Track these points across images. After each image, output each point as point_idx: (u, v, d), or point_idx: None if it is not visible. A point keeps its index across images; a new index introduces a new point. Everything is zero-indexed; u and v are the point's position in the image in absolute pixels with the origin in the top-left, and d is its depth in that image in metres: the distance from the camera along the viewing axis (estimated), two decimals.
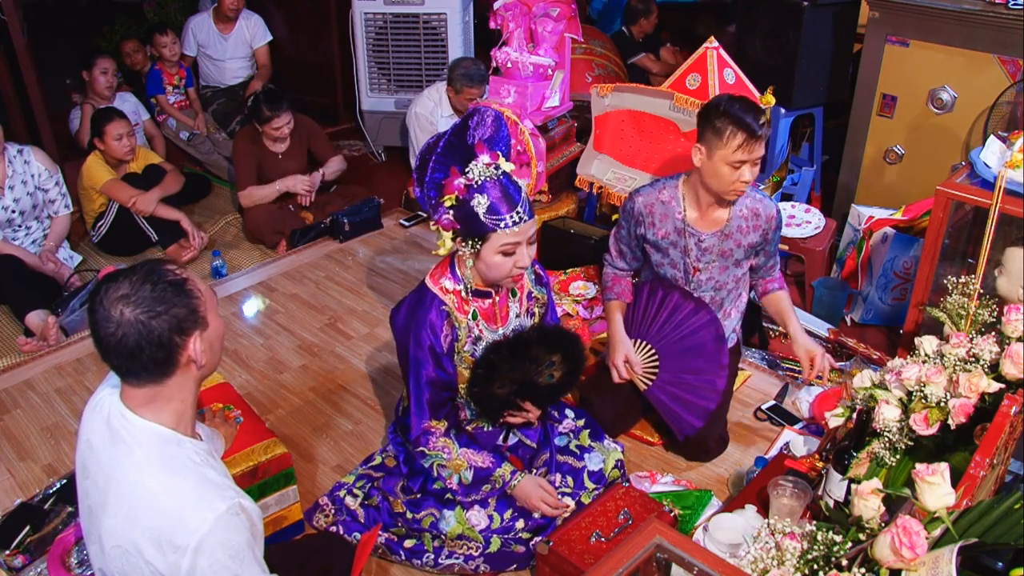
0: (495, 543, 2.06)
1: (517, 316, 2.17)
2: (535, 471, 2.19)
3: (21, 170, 3.33)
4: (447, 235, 1.97)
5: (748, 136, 2.15)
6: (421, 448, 2.05)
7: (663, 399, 2.37)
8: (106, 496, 1.33)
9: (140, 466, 1.31)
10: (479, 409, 2.14)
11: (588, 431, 2.33)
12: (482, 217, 1.87)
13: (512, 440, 2.25)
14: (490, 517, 2.08)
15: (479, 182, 1.87)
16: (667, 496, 2.25)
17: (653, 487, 2.32)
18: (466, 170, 1.90)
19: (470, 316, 2.06)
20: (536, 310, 2.23)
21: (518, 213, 1.89)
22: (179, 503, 1.28)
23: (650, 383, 2.39)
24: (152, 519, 1.28)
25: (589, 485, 2.19)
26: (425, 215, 2.05)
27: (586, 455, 2.25)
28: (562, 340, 2.11)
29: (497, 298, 2.11)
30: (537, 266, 2.24)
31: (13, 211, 3.33)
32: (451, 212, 1.93)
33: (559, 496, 2.11)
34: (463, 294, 2.04)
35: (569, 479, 2.18)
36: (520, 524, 2.07)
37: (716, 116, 2.19)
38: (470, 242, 1.94)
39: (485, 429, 2.23)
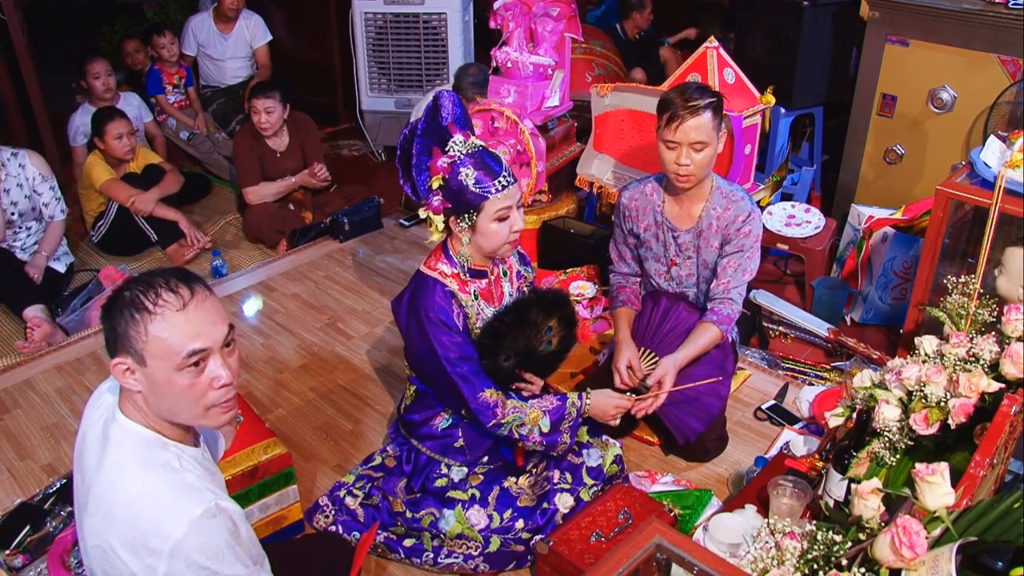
0: (495, 543, 2.06)
1: (511, 295, 2.21)
2: (533, 468, 2.20)
3: (16, 173, 3.32)
4: (438, 219, 2.02)
5: (676, 109, 2.17)
6: (494, 421, 2.05)
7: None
8: (88, 495, 1.34)
9: (120, 467, 1.31)
10: None
11: (586, 427, 2.33)
12: (472, 188, 1.93)
13: None
14: (490, 517, 2.08)
15: (461, 157, 1.95)
16: (667, 496, 2.25)
17: (653, 487, 2.32)
18: (446, 149, 1.97)
19: (472, 296, 2.10)
20: (525, 288, 2.29)
21: (504, 178, 1.96)
22: (155, 507, 1.27)
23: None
24: (128, 522, 1.27)
25: (588, 481, 2.19)
26: (425, 215, 2.07)
27: (584, 451, 2.26)
28: (557, 301, 2.17)
29: (492, 277, 2.16)
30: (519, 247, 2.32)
31: (12, 213, 3.33)
32: (440, 193, 1.99)
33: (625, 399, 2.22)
34: (462, 275, 2.08)
35: (568, 475, 2.19)
36: (520, 524, 2.08)
37: (664, 95, 2.24)
38: (465, 216, 1.98)
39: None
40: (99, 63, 4.16)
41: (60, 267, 3.50)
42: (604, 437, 2.35)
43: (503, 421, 2.05)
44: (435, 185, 1.98)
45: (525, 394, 2.20)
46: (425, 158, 1.99)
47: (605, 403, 2.19)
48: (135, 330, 1.26)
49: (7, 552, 2.12)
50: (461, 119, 2.02)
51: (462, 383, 2.03)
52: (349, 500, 2.20)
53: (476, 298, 2.11)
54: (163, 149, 4.54)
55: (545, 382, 2.33)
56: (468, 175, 1.93)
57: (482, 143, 2.01)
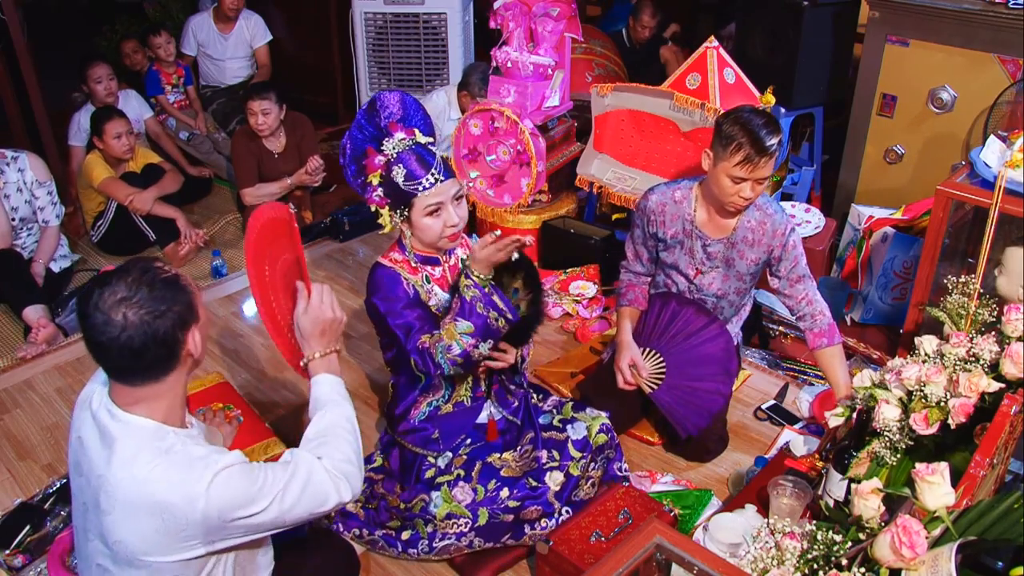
0: (483, 515, 2.07)
1: None
2: (520, 448, 2.20)
3: (15, 179, 3.32)
4: (384, 212, 2.09)
5: (751, 153, 2.14)
6: (432, 363, 2.01)
7: (667, 399, 2.37)
8: (98, 494, 1.35)
9: (129, 461, 1.33)
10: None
11: (571, 404, 2.33)
12: (402, 185, 2.00)
13: (497, 416, 2.27)
14: (474, 490, 2.10)
15: (395, 155, 2.02)
16: (667, 496, 2.25)
17: (653, 487, 2.32)
18: (381, 147, 2.05)
19: (423, 279, 2.13)
20: None
21: (433, 175, 2.01)
22: (169, 488, 1.31)
23: (655, 388, 2.39)
24: (149, 508, 1.31)
25: (575, 454, 2.17)
26: (373, 208, 2.12)
27: (569, 426, 2.24)
28: (519, 262, 2.13)
29: (446, 265, 2.18)
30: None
31: (13, 218, 3.32)
32: (379, 189, 2.06)
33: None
34: (412, 263, 2.12)
35: (555, 453, 2.18)
36: (505, 493, 2.09)
37: (728, 124, 2.19)
38: (399, 211, 2.06)
39: (465, 404, 2.24)
40: (100, 67, 4.12)
41: (56, 268, 3.49)
42: (588, 410, 2.30)
43: (436, 359, 2.01)
44: (374, 181, 2.06)
45: (498, 366, 2.18)
46: (358, 156, 2.07)
47: (484, 252, 2.01)
48: (190, 292, 1.39)
49: (7, 552, 2.12)
50: (412, 118, 2.09)
51: (402, 334, 2.03)
52: (349, 504, 2.20)
53: (428, 282, 2.14)
54: (171, 144, 4.52)
55: (519, 358, 2.28)
56: (399, 172, 2.00)
57: (420, 141, 2.06)
